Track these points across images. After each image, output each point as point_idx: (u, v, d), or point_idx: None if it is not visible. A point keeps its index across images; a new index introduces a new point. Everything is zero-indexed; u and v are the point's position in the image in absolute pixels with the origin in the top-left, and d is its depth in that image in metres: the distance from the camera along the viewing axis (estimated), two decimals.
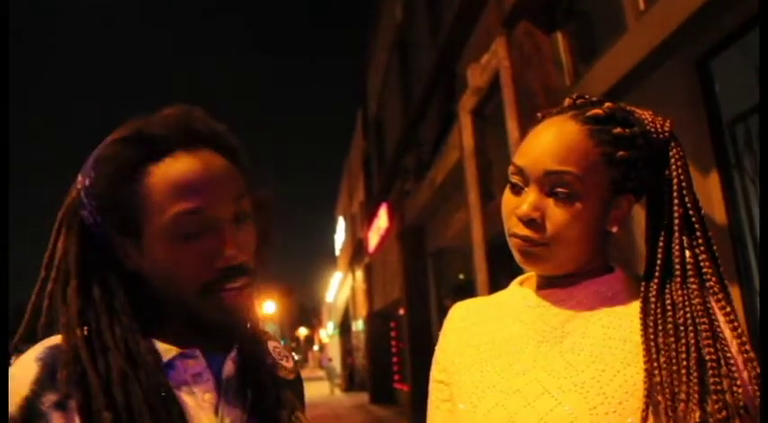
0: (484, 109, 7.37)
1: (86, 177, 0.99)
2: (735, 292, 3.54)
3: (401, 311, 14.56)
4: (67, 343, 0.93)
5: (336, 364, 33.89)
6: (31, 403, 0.87)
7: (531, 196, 1.07)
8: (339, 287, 34.07)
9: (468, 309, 1.28)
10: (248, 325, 1.09)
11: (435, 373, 1.23)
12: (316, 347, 66.86)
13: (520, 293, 1.19)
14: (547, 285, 1.15)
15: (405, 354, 14.59)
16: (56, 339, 0.95)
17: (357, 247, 23.19)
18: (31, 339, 0.98)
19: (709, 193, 3.69)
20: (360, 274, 23.02)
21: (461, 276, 10.75)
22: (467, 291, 8.75)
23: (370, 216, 17.84)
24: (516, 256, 1.11)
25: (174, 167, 0.96)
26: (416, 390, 12.52)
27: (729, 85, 3.78)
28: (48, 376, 0.89)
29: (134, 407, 0.89)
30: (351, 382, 28.23)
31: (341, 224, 31.54)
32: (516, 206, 1.08)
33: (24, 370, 0.90)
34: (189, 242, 0.95)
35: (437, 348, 1.26)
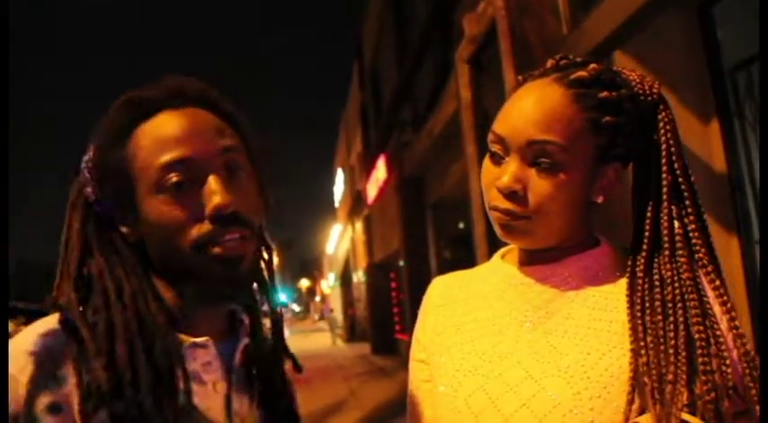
0: (480, 59, 7.26)
1: (88, 152, 1.01)
2: (733, 243, 3.53)
3: (401, 262, 14.63)
4: (66, 317, 0.92)
5: (338, 315, 34.18)
6: (28, 406, 0.84)
7: (511, 166, 1.00)
8: (339, 239, 34.19)
9: (448, 285, 1.22)
10: (256, 293, 1.08)
11: (415, 352, 1.19)
12: (317, 299, 67.47)
13: (502, 269, 1.14)
14: (530, 261, 1.09)
15: (405, 304, 14.72)
16: (52, 321, 0.92)
17: (356, 199, 23.18)
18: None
19: (710, 141, 3.64)
20: (359, 225, 23.07)
21: (461, 226, 10.76)
22: (466, 241, 8.76)
23: (368, 168, 17.78)
24: (497, 231, 1.05)
25: (159, 123, 0.96)
26: None
27: (731, 33, 3.71)
28: (42, 374, 0.86)
29: (138, 367, 0.88)
30: (352, 332, 28.51)
31: (340, 176, 31.49)
32: (496, 177, 1.02)
33: (20, 367, 0.86)
34: (177, 194, 0.93)
35: (416, 326, 1.22)
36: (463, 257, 9.67)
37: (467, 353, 1.07)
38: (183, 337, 0.96)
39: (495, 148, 1.03)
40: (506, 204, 1.01)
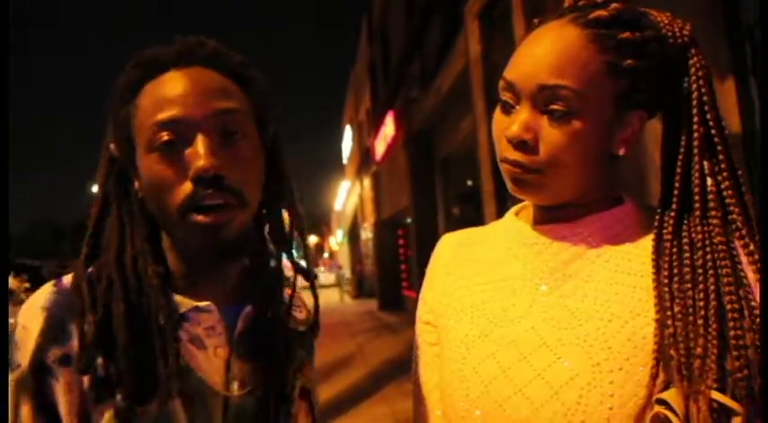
0: (491, 14, 7.15)
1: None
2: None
3: (409, 219, 14.64)
4: (77, 275, 0.96)
5: (346, 271, 34.36)
6: (38, 357, 0.89)
7: (522, 115, 0.92)
8: (347, 195, 34.19)
9: (458, 242, 1.15)
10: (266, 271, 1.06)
11: (422, 313, 1.13)
12: (326, 255, 67.83)
13: (516, 227, 1.06)
14: (546, 219, 1.01)
15: (412, 261, 14.76)
16: (68, 277, 0.97)
17: (364, 155, 23.12)
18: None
19: (725, 99, 3.57)
20: (367, 182, 23.03)
21: (470, 183, 10.72)
22: (475, 198, 8.74)
23: (376, 124, 17.70)
24: (508, 184, 0.97)
25: (161, 82, 0.95)
26: None
27: None
28: (53, 328, 0.91)
29: (130, 326, 0.91)
30: (360, 289, 28.65)
31: (348, 132, 31.34)
32: (506, 127, 0.94)
33: (31, 320, 0.92)
34: (167, 153, 0.92)
35: (424, 286, 1.15)
36: (472, 214, 9.65)
37: (477, 317, 1.01)
38: (184, 299, 0.97)
39: (505, 96, 0.95)
40: (516, 155, 0.93)
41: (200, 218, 0.91)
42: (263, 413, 0.99)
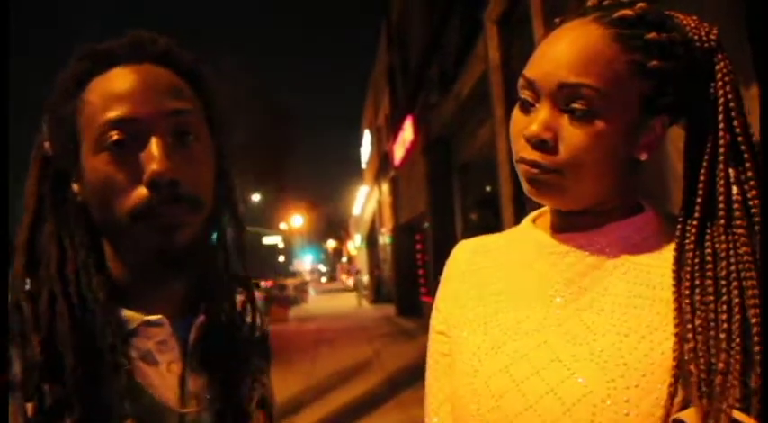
0: (510, 19, 7.13)
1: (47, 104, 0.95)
2: None
3: (427, 224, 14.61)
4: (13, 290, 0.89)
5: (364, 276, 34.36)
6: None
7: (542, 113, 0.89)
8: (365, 200, 34.21)
9: (473, 250, 1.11)
10: (221, 280, 1.02)
11: (436, 322, 1.09)
12: (344, 259, 67.88)
13: (532, 236, 1.02)
14: (564, 228, 0.98)
15: (430, 266, 14.72)
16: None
17: (383, 161, 23.13)
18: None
19: (749, 106, 3.54)
20: (385, 187, 23.04)
21: (488, 189, 10.69)
22: (493, 204, 8.71)
23: (395, 129, 17.71)
24: (525, 187, 0.93)
25: (109, 78, 0.90)
26: None
27: None
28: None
29: (75, 345, 0.84)
30: (378, 294, 28.62)
31: (366, 137, 31.37)
32: (525, 126, 0.90)
33: None
34: (116, 154, 0.87)
35: (438, 294, 1.12)
36: (489, 220, 9.61)
37: (490, 328, 0.98)
38: (133, 314, 0.91)
39: (524, 94, 0.92)
40: (534, 155, 0.89)
41: (152, 223, 0.87)
42: None
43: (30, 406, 0.81)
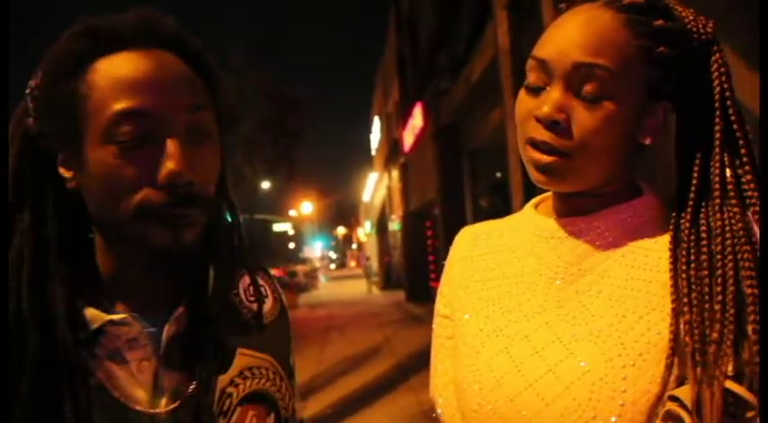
0: (520, 4, 7.10)
1: (33, 78, 0.88)
2: None
3: (437, 211, 14.62)
4: None
5: (374, 262, 34.42)
6: None
7: (554, 94, 0.89)
8: (375, 187, 34.22)
9: (476, 235, 1.13)
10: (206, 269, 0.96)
11: (440, 306, 1.11)
12: (354, 246, 67.98)
13: (533, 221, 1.04)
14: (564, 212, 0.99)
15: (440, 253, 14.75)
16: None
17: (393, 147, 23.11)
18: None
19: (751, 92, 3.53)
20: (395, 173, 23.04)
21: (498, 175, 10.68)
22: (502, 190, 8.71)
23: (405, 115, 17.69)
24: (531, 171, 0.93)
25: (120, 63, 0.84)
26: None
27: None
28: None
29: (38, 358, 0.81)
30: (387, 280, 28.69)
31: (376, 124, 31.34)
32: (535, 107, 0.90)
33: None
34: (128, 148, 0.82)
35: (442, 279, 1.14)
36: (499, 206, 9.61)
37: (492, 311, 1.00)
38: (97, 313, 0.87)
39: (533, 76, 0.92)
40: (546, 135, 0.89)
41: (163, 222, 0.84)
42: None
43: None
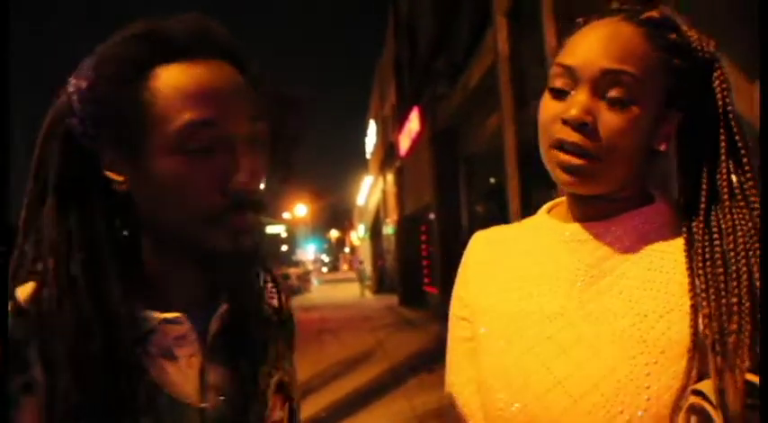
0: (520, 11, 7.14)
1: (83, 79, 0.87)
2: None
3: (432, 215, 14.66)
4: (40, 280, 0.86)
5: (367, 266, 34.42)
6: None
7: (580, 97, 0.95)
8: (370, 191, 34.23)
9: (491, 240, 1.18)
10: (250, 269, 1.03)
11: (456, 309, 1.16)
12: (347, 249, 67.97)
13: (549, 225, 1.09)
14: (580, 217, 1.04)
15: (434, 257, 14.77)
16: (23, 293, 0.86)
17: (388, 151, 23.14)
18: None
19: (755, 102, 3.56)
20: (391, 177, 23.05)
21: (492, 181, 10.71)
22: (498, 196, 8.73)
23: (401, 119, 17.71)
24: (557, 174, 0.98)
25: (187, 73, 0.85)
26: (446, 293, 12.69)
27: None
28: (13, 355, 0.81)
29: (92, 367, 0.82)
30: (381, 284, 28.70)
31: (372, 127, 31.36)
32: (562, 111, 0.96)
33: None
34: (199, 158, 0.84)
35: (458, 282, 1.18)
36: (495, 212, 9.64)
37: (514, 313, 1.04)
38: (151, 314, 0.90)
39: (559, 82, 0.98)
40: (575, 137, 0.94)
41: (226, 229, 0.87)
42: (239, 419, 0.94)
43: (51, 407, 0.81)
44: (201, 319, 0.94)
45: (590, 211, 1.03)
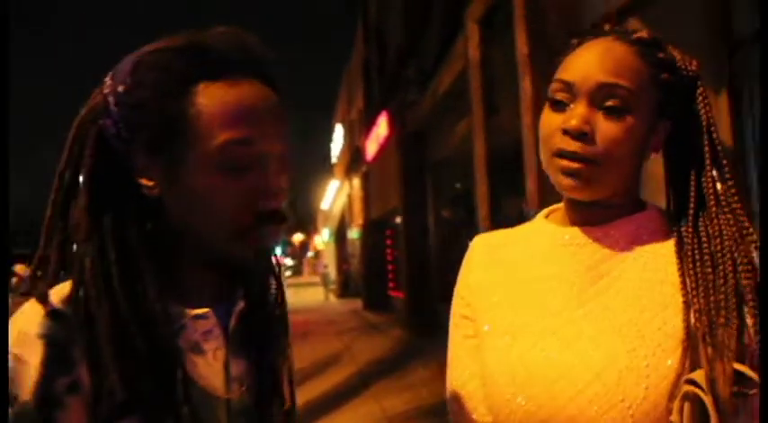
0: (492, 19, 7.21)
1: (120, 83, 0.89)
2: None
3: (398, 220, 14.68)
4: (77, 279, 0.88)
5: (331, 270, 34.32)
6: (44, 390, 0.82)
7: (579, 109, 1.04)
8: (335, 195, 34.12)
9: (492, 243, 1.26)
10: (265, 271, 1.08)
11: (458, 308, 1.23)
12: (310, 254, 67.64)
13: (548, 230, 1.18)
14: (578, 221, 1.13)
15: (400, 262, 14.79)
16: (56, 295, 0.88)
17: (355, 155, 23.07)
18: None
19: (720, 114, 3.69)
20: (357, 181, 23.00)
21: (459, 186, 10.79)
22: (465, 201, 8.80)
23: (369, 124, 17.68)
24: (559, 181, 1.06)
25: (230, 91, 0.88)
26: (411, 297, 12.82)
27: (744, 7, 3.73)
28: (56, 357, 0.83)
29: (135, 365, 0.86)
30: (345, 288, 28.61)
31: (338, 131, 31.30)
32: (562, 122, 1.04)
33: (28, 351, 0.83)
34: (235, 175, 0.88)
35: (460, 282, 1.25)
36: (462, 217, 9.72)
37: (518, 310, 1.12)
38: (182, 310, 0.94)
39: (559, 96, 1.07)
40: (574, 146, 1.03)
41: (256, 241, 0.92)
42: (260, 408, 1.00)
43: (96, 406, 0.84)
44: (222, 314, 0.98)
45: (587, 217, 1.12)
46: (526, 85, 5.34)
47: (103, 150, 0.91)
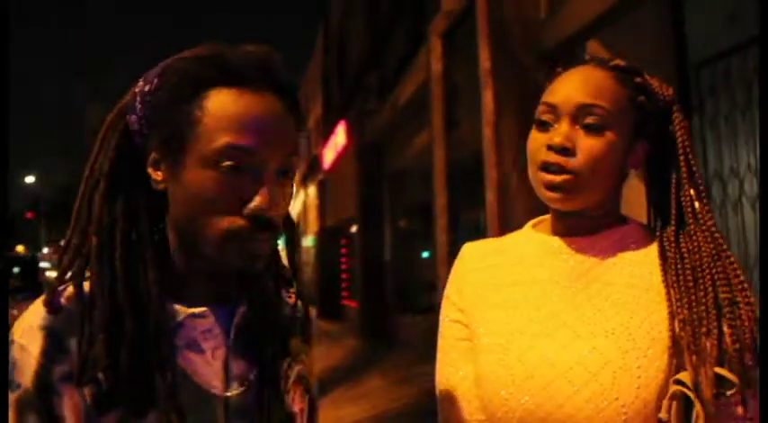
0: (454, 33, 7.29)
1: (148, 83, 0.97)
2: None
3: (353, 229, 14.67)
4: (80, 293, 0.93)
5: None
6: (43, 377, 0.89)
7: (562, 128, 1.14)
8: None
9: (482, 251, 1.32)
10: (265, 275, 1.09)
11: (450, 312, 1.28)
12: None
13: (536, 238, 1.26)
14: (566, 231, 1.22)
15: (355, 271, 14.76)
16: (64, 294, 0.94)
17: (311, 163, 23.01)
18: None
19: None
20: (312, 189, 22.92)
21: (419, 197, 10.84)
22: (423, 213, 8.84)
23: (327, 132, 17.65)
24: (543, 193, 1.16)
25: (238, 101, 0.92)
26: (365, 307, 12.80)
27: (701, 30, 3.89)
28: (55, 347, 0.90)
29: (132, 344, 0.91)
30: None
31: None
32: (547, 140, 1.14)
33: (31, 341, 0.90)
34: (227, 175, 0.91)
35: (450, 288, 1.31)
36: (419, 228, 9.77)
37: (511, 313, 1.18)
38: (180, 308, 0.98)
39: (544, 117, 1.17)
40: (557, 159, 1.12)
41: (243, 246, 0.94)
42: (261, 408, 1.02)
43: (87, 393, 0.89)
44: (224, 314, 1.02)
45: (574, 227, 1.21)
46: (488, 99, 5.40)
47: (127, 143, 0.99)
